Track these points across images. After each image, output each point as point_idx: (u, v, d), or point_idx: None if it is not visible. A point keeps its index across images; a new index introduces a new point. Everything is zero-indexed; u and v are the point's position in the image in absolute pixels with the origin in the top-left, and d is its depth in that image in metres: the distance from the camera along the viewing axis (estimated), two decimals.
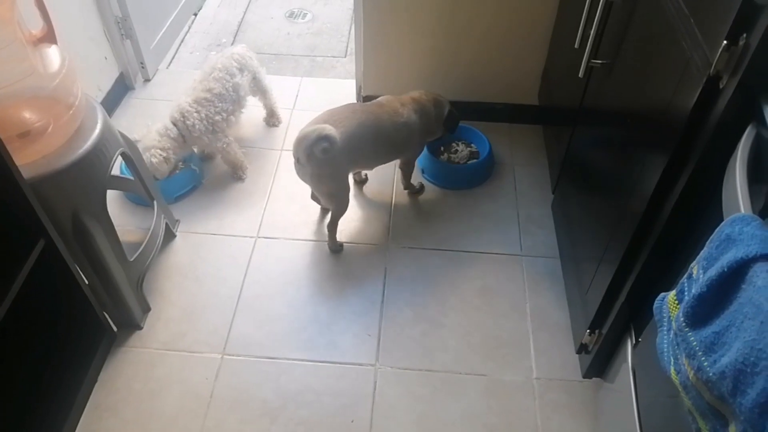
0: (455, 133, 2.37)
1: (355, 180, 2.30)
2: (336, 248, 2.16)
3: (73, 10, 2.33)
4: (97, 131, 1.65)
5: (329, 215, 2.11)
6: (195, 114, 2.16)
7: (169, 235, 2.16)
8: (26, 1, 1.49)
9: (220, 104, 2.21)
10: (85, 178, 1.61)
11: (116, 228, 1.79)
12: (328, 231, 2.13)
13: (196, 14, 3.46)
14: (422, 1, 2.28)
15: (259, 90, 2.46)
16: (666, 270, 1.25)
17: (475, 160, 2.41)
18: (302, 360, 1.84)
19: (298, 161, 1.94)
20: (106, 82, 2.59)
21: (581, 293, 1.70)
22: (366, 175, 2.31)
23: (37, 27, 1.54)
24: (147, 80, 2.82)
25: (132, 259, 1.85)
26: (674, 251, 1.22)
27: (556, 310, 1.98)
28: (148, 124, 2.23)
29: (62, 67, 1.55)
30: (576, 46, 1.73)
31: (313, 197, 2.25)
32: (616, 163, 1.50)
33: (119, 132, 1.83)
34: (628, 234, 1.32)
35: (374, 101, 2.12)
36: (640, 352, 1.38)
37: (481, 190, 2.39)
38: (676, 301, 0.94)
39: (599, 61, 1.61)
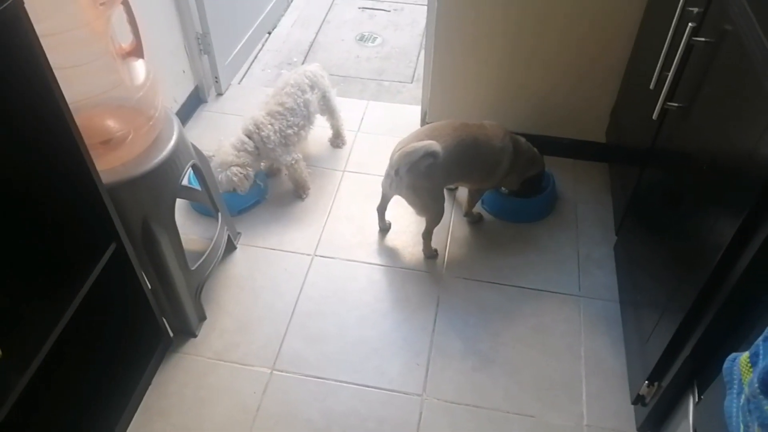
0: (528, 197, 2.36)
1: (380, 227, 2.30)
2: (431, 254, 2.20)
3: (159, 25, 2.45)
4: (172, 143, 1.71)
5: (424, 225, 2.14)
6: (269, 126, 2.21)
7: (230, 247, 2.22)
8: (119, 16, 1.58)
9: (291, 118, 2.26)
10: (157, 186, 1.68)
11: (181, 236, 1.85)
12: (423, 239, 2.17)
13: (270, 32, 3.57)
14: (492, 33, 2.29)
15: (328, 109, 2.51)
16: (737, 327, 1.19)
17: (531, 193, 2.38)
18: (349, 383, 1.84)
19: (396, 173, 1.97)
20: (182, 94, 2.69)
21: (641, 341, 1.64)
22: (389, 224, 2.31)
23: (126, 41, 1.62)
24: (220, 94, 2.92)
25: (193, 268, 1.90)
26: (748, 308, 1.17)
27: (612, 356, 1.92)
28: (220, 138, 2.30)
29: (147, 80, 1.63)
30: (651, 87, 1.69)
31: (380, 210, 2.26)
32: (689, 209, 1.45)
33: (191, 144, 1.90)
34: (698, 285, 1.28)
35: (478, 123, 2.14)
36: (702, 411, 1.32)
37: (541, 225, 2.35)
38: (750, 365, 0.90)
39: (675, 104, 1.57)
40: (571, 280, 2.15)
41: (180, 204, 2.35)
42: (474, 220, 2.34)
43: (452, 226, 2.34)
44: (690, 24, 1.43)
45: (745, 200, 1.12)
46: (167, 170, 1.69)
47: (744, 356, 0.93)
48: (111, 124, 1.63)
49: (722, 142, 1.31)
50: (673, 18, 1.58)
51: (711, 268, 1.22)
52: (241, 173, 2.14)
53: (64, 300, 1.44)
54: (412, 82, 3.24)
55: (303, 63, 3.35)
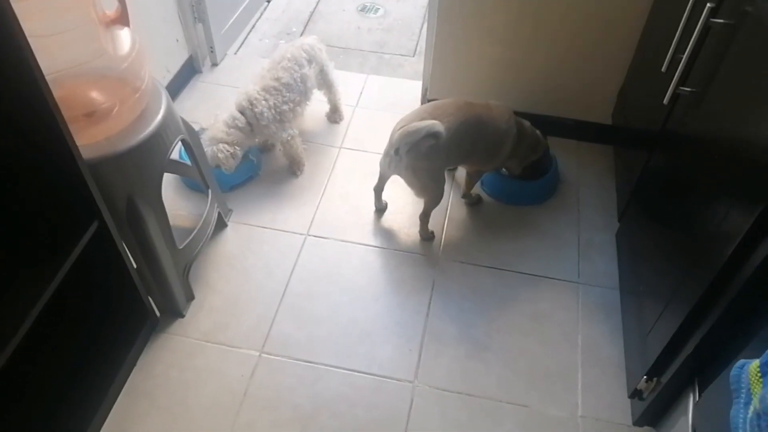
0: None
1: (376, 207, 2.24)
2: (427, 237, 2.15)
3: None
4: (160, 116, 1.64)
5: (422, 206, 2.08)
6: (263, 102, 2.13)
7: (221, 224, 2.15)
8: None
9: (287, 94, 2.18)
10: (143, 162, 1.61)
11: (169, 212, 1.78)
12: (420, 221, 2.11)
13: (269, 1, 3.45)
14: (498, 8, 2.19)
15: (325, 84, 2.42)
16: (746, 327, 1.14)
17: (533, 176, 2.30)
18: (339, 368, 1.80)
19: (396, 153, 1.90)
20: (175, 63, 2.60)
21: (641, 334, 1.59)
22: (386, 204, 2.24)
23: (111, 8, 1.53)
24: (215, 65, 2.82)
25: (181, 247, 1.84)
26: (758, 308, 1.11)
27: (610, 346, 1.87)
28: (216, 113, 2.22)
29: (132, 50, 1.54)
30: (663, 69, 1.61)
31: (377, 189, 2.19)
32: (698, 198, 1.38)
33: (181, 118, 1.83)
34: (706, 280, 1.22)
35: (483, 102, 2.05)
36: (702, 410, 1.27)
37: (542, 208, 2.28)
38: (760, 374, 0.84)
39: (688, 89, 1.49)
40: (571, 266, 2.10)
41: (169, 179, 2.29)
42: (472, 202, 2.28)
43: (450, 208, 2.27)
44: (708, 4, 1.34)
45: (762, 191, 1.05)
46: (154, 145, 1.61)
47: (754, 364, 0.87)
48: (94, 96, 1.56)
49: (738, 130, 1.24)
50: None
51: (721, 262, 1.15)
52: (227, 151, 2.07)
53: (44, 279, 1.38)
54: (413, 56, 3.14)
55: (302, 33, 3.24)
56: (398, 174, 1.99)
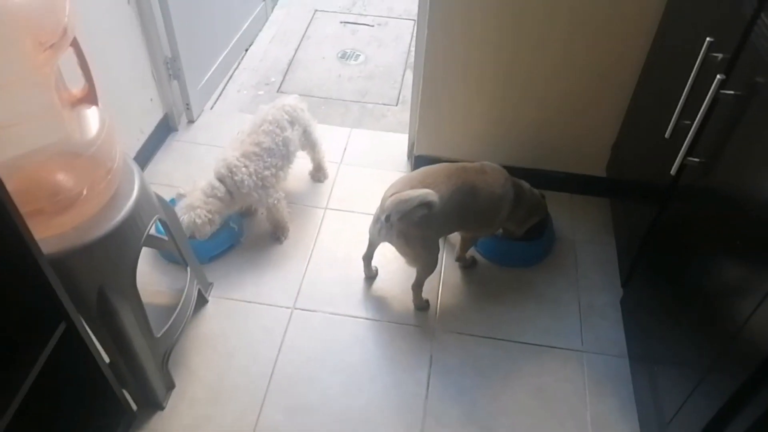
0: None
1: (366, 275, 2.12)
2: (422, 306, 2.03)
3: (122, 51, 2.23)
4: (132, 199, 1.51)
5: (414, 276, 1.97)
6: (243, 169, 2.02)
7: (202, 301, 2.02)
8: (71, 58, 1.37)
9: (269, 159, 2.07)
10: (115, 251, 1.48)
11: (146, 289, 1.66)
12: (413, 291, 2.00)
13: (247, 50, 3.36)
14: (485, 62, 2.11)
15: (309, 144, 2.31)
16: None
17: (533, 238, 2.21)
18: None
19: (387, 219, 1.79)
20: (150, 124, 2.48)
21: (660, 423, 1.48)
22: (376, 270, 2.13)
23: (77, 86, 1.42)
24: (191, 122, 2.71)
25: (159, 335, 1.70)
26: None
27: (622, 422, 1.76)
28: (195, 179, 2.10)
29: (101, 131, 1.42)
30: (666, 136, 1.53)
31: (366, 258, 2.08)
32: (724, 270, 1.27)
33: (156, 195, 1.70)
34: (743, 373, 1.10)
35: (477, 165, 1.96)
36: None
37: (538, 269, 2.18)
38: None
39: (696, 159, 1.41)
40: (573, 333, 1.99)
41: (147, 251, 2.15)
42: (467, 265, 2.17)
43: (444, 271, 2.16)
44: (718, 76, 1.27)
45: None
46: (127, 231, 1.49)
47: None
48: (61, 183, 1.43)
49: (754, 200, 1.15)
50: (693, 63, 1.41)
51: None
52: (205, 216, 1.96)
53: (11, 387, 1.24)
54: (397, 105, 3.06)
55: (281, 83, 3.15)
56: (389, 242, 1.88)
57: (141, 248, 1.56)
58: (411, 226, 1.77)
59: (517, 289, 2.12)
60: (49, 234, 1.38)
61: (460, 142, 2.37)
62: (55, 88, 1.31)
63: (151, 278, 2.09)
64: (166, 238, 1.89)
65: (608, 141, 2.26)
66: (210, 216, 1.97)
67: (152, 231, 2.00)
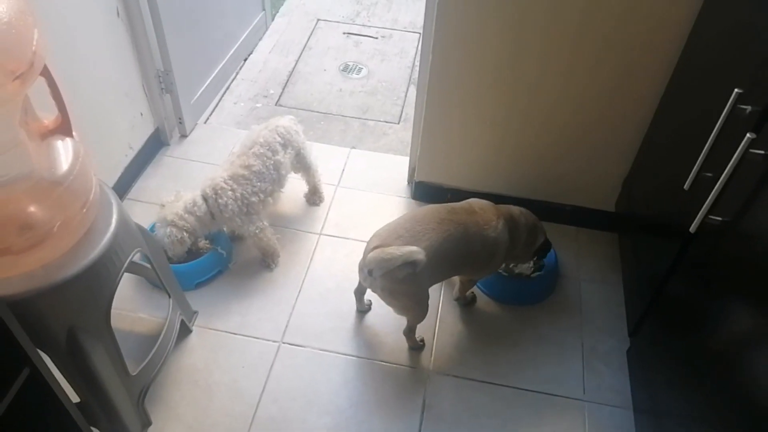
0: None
1: (358, 309, 2.02)
2: (416, 347, 1.93)
3: (111, 66, 2.13)
4: (109, 233, 1.41)
5: (405, 323, 1.87)
6: (230, 192, 1.92)
7: (185, 331, 1.91)
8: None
9: (258, 183, 1.97)
10: (88, 291, 1.37)
11: (128, 316, 1.61)
12: (405, 336, 1.90)
13: (245, 59, 3.25)
14: (492, 86, 2.00)
15: (303, 167, 2.21)
16: None
17: (538, 273, 2.10)
18: None
19: (369, 273, 1.67)
20: (139, 139, 2.37)
21: None
22: (370, 304, 2.03)
23: (50, 116, 1.31)
24: (184, 136, 2.60)
25: (135, 373, 1.60)
26: None
27: None
28: (179, 190, 2.01)
29: (75, 164, 1.32)
30: (686, 187, 1.43)
31: (357, 293, 1.98)
32: (755, 342, 1.17)
33: (138, 226, 1.60)
34: None
35: (465, 205, 1.85)
36: None
37: (541, 307, 2.08)
38: None
39: (719, 218, 1.30)
40: (575, 380, 1.89)
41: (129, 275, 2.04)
42: (466, 303, 2.06)
43: (442, 309, 2.06)
44: (748, 135, 1.16)
45: None
46: (101, 270, 1.38)
47: None
48: (31, 216, 1.32)
49: None
50: (718, 112, 1.31)
51: None
52: (175, 236, 1.86)
53: None
54: (399, 123, 2.95)
55: (280, 96, 3.04)
56: (374, 291, 1.77)
57: (117, 286, 1.45)
58: (395, 283, 1.65)
59: (518, 329, 2.02)
60: (16, 273, 1.28)
61: (463, 170, 2.27)
62: (22, 118, 1.21)
63: (134, 303, 1.99)
64: (148, 266, 1.79)
65: (619, 176, 2.15)
66: (180, 235, 1.88)
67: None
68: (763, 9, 1.31)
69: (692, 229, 1.34)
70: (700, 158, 1.37)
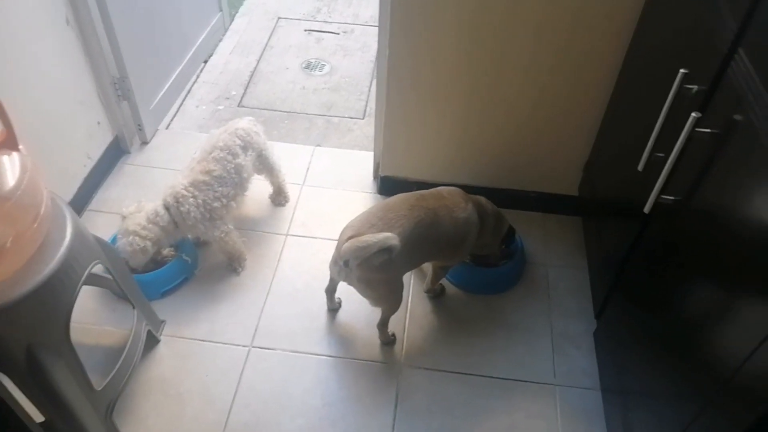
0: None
1: (328, 308, 2.02)
2: (388, 341, 1.93)
3: (63, 75, 2.08)
4: (64, 247, 1.38)
5: (379, 315, 1.87)
6: (191, 199, 1.89)
7: (152, 341, 1.89)
8: None
9: (220, 188, 1.94)
10: (44, 307, 1.34)
11: (93, 329, 1.59)
12: (378, 329, 1.90)
13: (206, 61, 3.21)
14: (450, 79, 2.00)
15: (266, 168, 2.19)
16: None
17: (504, 262, 2.11)
18: None
19: (345, 265, 1.67)
20: (98, 148, 2.33)
21: None
22: (340, 302, 2.03)
23: None
24: (144, 143, 2.56)
25: (100, 388, 1.57)
26: None
27: None
28: (141, 200, 1.98)
29: (23, 178, 1.29)
30: (639, 169, 1.44)
31: (328, 291, 1.98)
32: (711, 314, 1.18)
33: (95, 237, 1.57)
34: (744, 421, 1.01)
35: (434, 191, 1.87)
36: None
37: (509, 295, 2.10)
38: None
39: (671, 197, 1.32)
40: (545, 365, 1.91)
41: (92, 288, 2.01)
42: (436, 294, 2.07)
43: (411, 302, 2.06)
44: (693, 114, 1.18)
45: None
46: (57, 285, 1.35)
47: None
48: None
49: (741, 242, 1.07)
50: (666, 92, 1.32)
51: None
52: (137, 245, 1.84)
53: None
54: (363, 118, 2.94)
55: (243, 96, 3.01)
56: (349, 284, 1.77)
57: (75, 300, 1.42)
58: (372, 272, 1.66)
59: (488, 318, 2.03)
60: None
61: (427, 163, 2.27)
62: None
63: (98, 316, 1.96)
64: (110, 277, 1.76)
65: (580, 161, 2.17)
66: (142, 245, 1.85)
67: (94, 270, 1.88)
68: None
69: (646, 209, 1.35)
70: (651, 139, 1.38)
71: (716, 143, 1.17)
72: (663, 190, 1.32)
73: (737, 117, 1.11)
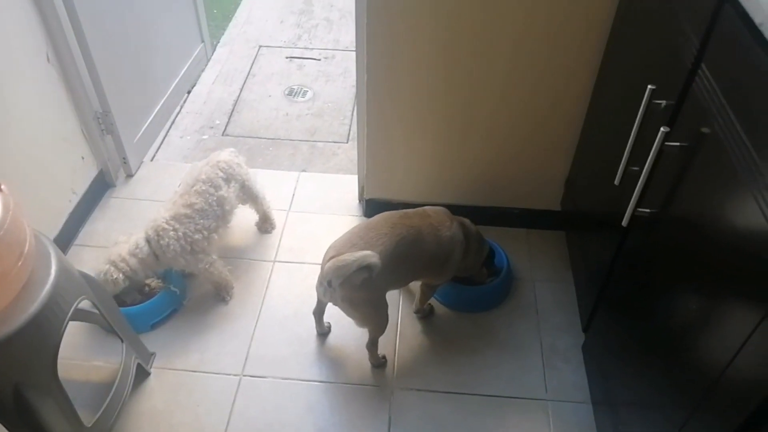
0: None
1: (318, 332, 2.02)
2: (378, 363, 1.93)
3: (45, 112, 2.10)
4: (49, 285, 1.38)
5: (367, 337, 1.87)
6: (172, 233, 1.90)
7: (143, 374, 1.88)
8: None
9: (201, 221, 1.95)
10: (30, 346, 1.34)
11: (81, 364, 1.60)
12: (368, 350, 1.90)
13: (189, 92, 3.24)
14: (429, 100, 2.04)
15: (250, 198, 2.20)
16: None
17: (491, 279, 2.13)
18: None
19: (329, 285, 1.68)
20: (83, 183, 2.34)
21: None
22: (329, 326, 2.03)
23: None
24: (130, 176, 2.57)
25: (90, 425, 1.57)
26: None
27: None
28: (132, 232, 1.98)
29: (5, 217, 1.30)
30: (616, 183, 1.47)
31: (316, 313, 1.98)
32: (692, 321, 1.20)
33: (81, 273, 1.57)
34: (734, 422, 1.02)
35: (419, 210, 1.89)
36: None
37: (498, 312, 2.11)
38: None
39: (647, 210, 1.35)
40: (537, 380, 1.91)
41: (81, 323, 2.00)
42: (425, 315, 2.08)
43: (401, 322, 2.07)
44: (662, 129, 1.21)
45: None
46: (43, 323, 1.35)
47: None
48: None
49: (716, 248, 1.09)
50: (637, 108, 1.36)
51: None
52: (110, 275, 1.85)
53: None
54: (347, 142, 2.97)
55: (227, 125, 3.04)
56: (334, 304, 1.78)
57: (62, 337, 1.42)
58: (354, 291, 1.67)
59: (478, 336, 2.04)
60: None
61: (411, 184, 2.30)
62: None
63: (88, 351, 1.95)
64: (97, 312, 1.76)
65: (561, 176, 2.20)
66: (115, 276, 1.86)
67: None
68: (666, 3, 1.37)
69: (624, 223, 1.38)
70: (625, 154, 1.41)
71: (686, 156, 1.20)
72: (639, 203, 1.35)
73: (705, 130, 1.13)
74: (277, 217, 2.39)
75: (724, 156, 1.04)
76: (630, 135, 1.40)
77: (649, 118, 1.33)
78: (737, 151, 0.99)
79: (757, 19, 0.93)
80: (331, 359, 1.97)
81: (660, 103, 1.29)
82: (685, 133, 1.19)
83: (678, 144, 1.21)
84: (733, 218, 1.02)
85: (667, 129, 1.20)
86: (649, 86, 1.30)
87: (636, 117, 1.37)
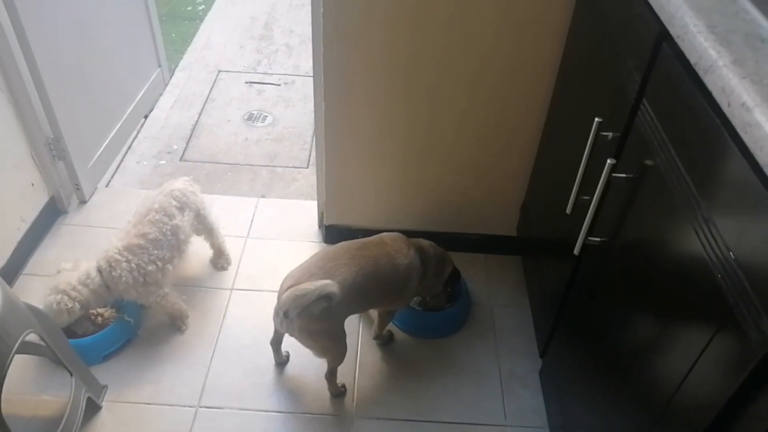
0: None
1: (276, 361, 2.01)
2: (338, 393, 1.92)
3: None
4: None
5: (326, 366, 1.85)
6: (124, 264, 1.86)
7: (93, 408, 1.82)
8: None
9: (155, 252, 1.91)
10: None
11: (29, 398, 1.56)
12: (327, 381, 1.88)
13: (146, 117, 3.20)
14: (385, 127, 2.06)
15: (205, 229, 2.16)
16: None
17: (450, 305, 2.15)
18: None
19: (284, 315, 1.66)
20: (32, 210, 2.27)
21: None
22: (288, 355, 2.02)
23: None
24: (83, 202, 2.51)
25: None
26: None
27: None
28: (78, 259, 1.93)
29: None
30: (568, 212, 1.51)
31: (273, 343, 1.96)
32: (645, 344, 1.23)
33: (27, 306, 1.53)
34: None
35: (376, 238, 1.89)
36: None
37: (457, 337, 2.12)
38: None
39: (597, 239, 1.38)
40: (496, 406, 1.93)
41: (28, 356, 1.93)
42: (385, 341, 2.08)
43: (360, 350, 2.06)
44: (609, 161, 1.25)
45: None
46: None
47: None
48: None
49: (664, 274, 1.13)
50: (586, 139, 1.40)
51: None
52: (64, 305, 1.80)
53: None
54: (308, 167, 2.97)
55: (185, 151, 3.00)
56: (291, 335, 1.76)
57: (6, 372, 1.37)
58: (312, 321, 1.66)
59: (437, 361, 2.05)
60: None
61: (370, 210, 2.31)
62: None
63: (36, 385, 1.88)
64: (44, 344, 1.71)
65: (516, 202, 2.25)
66: (69, 305, 1.81)
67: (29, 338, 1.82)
68: (610, 40, 1.42)
69: (576, 251, 1.41)
70: (575, 184, 1.45)
71: (632, 187, 1.24)
72: (590, 232, 1.38)
73: (648, 162, 1.18)
74: (236, 243, 2.37)
75: (665, 188, 1.08)
76: (579, 165, 1.44)
77: (598, 149, 1.38)
78: (677, 185, 1.03)
79: (692, 59, 0.98)
80: (290, 389, 1.94)
81: (607, 135, 1.34)
82: (631, 165, 1.24)
83: (624, 175, 1.25)
84: (675, 247, 1.06)
85: (614, 161, 1.25)
86: (597, 119, 1.35)
87: (585, 148, 1.41)
